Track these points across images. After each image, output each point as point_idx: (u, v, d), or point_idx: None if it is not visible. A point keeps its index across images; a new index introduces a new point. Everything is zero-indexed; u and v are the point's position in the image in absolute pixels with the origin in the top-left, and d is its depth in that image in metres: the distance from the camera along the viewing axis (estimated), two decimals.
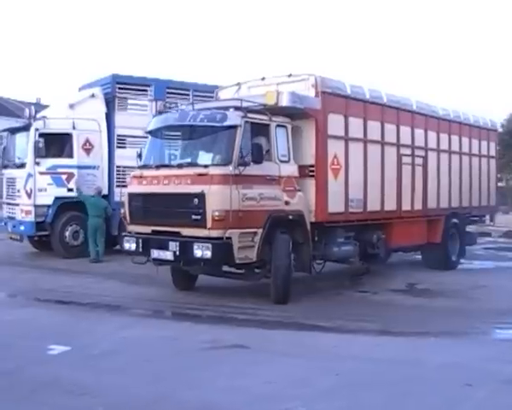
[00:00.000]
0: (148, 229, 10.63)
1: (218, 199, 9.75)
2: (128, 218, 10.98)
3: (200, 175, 9.92)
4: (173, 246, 10.08)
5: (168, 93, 17.70)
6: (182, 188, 10.10)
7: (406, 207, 13.41)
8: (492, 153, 17.52)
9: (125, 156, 16.46)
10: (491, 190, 17.40)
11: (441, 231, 14.78)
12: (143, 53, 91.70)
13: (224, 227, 9.69)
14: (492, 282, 13.27)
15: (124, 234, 11.17)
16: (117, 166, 17.09)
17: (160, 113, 12.14)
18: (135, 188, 10.98)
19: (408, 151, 13.59)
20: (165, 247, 10.21)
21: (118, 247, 15.09)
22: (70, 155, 16.56)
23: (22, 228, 16.42)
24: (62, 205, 16.29)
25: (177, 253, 10.03)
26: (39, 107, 27.40)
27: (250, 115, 10.33)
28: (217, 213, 9.67)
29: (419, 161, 13.93)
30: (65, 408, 5.70)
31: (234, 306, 10.44)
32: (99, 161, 16.96)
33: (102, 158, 17.01)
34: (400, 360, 7.20)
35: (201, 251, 9.72)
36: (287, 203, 10.63)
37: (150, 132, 11.52)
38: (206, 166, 10.10)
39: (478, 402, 5.85)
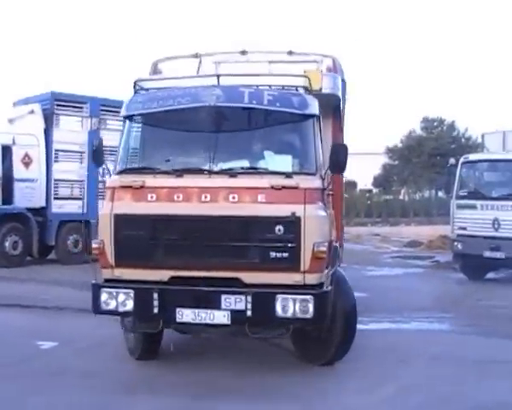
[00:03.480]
0: (160, 275, 6.80)
1: (319, 226, 6.80)
2: (112, 255, 6.86)
3: (284, 189, 6.72)
4: (233, 301, 6.60)
5: (102, 110, 18.86)
6: (249, 209, 6.71)
7: None
8: None
9: (61, 170, 18.08)
10: None
11: None
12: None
13: (323, 269, 6.77)
14: (403, 285, 15.11)
15: (102, 284, 6.97)
16: (54, 180, 18.07)
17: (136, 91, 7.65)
18: (131, 207, 6.89)
19: None
20: (211, 303, 6.65)
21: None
22: (10, 169, 17.34)
23: None
24: (2, 217, 17.03)
25: (249, 312, 6.55)
26: None
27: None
28: (321, 249, 6.62)
29: None
30: (88, 387, 6.78)
31: None
32: (37, 174, 17.77)
33: (41, 171, 17.81)
34: None
35: (293, 308, 6.53)
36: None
37: (145, 116, 7.47)
38: (287, 176, 6.89)
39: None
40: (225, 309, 6.59)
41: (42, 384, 6.95)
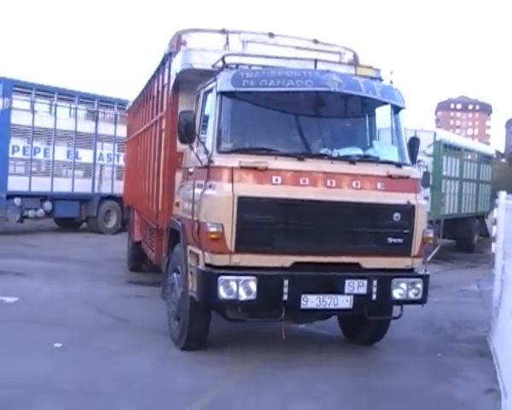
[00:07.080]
0: (283, 260, 6.87)
1: (425, 214, 7.58)
2: (233, 241, 6.70)
3: (398, 178, 7.28)
4: (356, 286, 7.00)
5: (15, 91, 20.27)
6: (372, 196, 7.11)
7: None
8: None
9: None
10: None
11: None
12: None
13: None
14: None
15: (220, 272, 6.74)
16: None
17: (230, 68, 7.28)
18: (256, 189, 6.79)
19: None
20: (335, 288, 7.00)
21: None
22: None
23: None
24: None
25: (374, 296, 7.06)
26: None
27: None
28: (429, 235, 7.46)
29: None
30: (52, 328, 8.51)
31: None
32: None
33: None
34: None
35: (406, 290, 7.24)
36: None
37: (259, 94, 7.18)
38: (397, 166, 7.47)
39: None
40: (348, 294, 6.98)
41: (12, 328, 8.47)
